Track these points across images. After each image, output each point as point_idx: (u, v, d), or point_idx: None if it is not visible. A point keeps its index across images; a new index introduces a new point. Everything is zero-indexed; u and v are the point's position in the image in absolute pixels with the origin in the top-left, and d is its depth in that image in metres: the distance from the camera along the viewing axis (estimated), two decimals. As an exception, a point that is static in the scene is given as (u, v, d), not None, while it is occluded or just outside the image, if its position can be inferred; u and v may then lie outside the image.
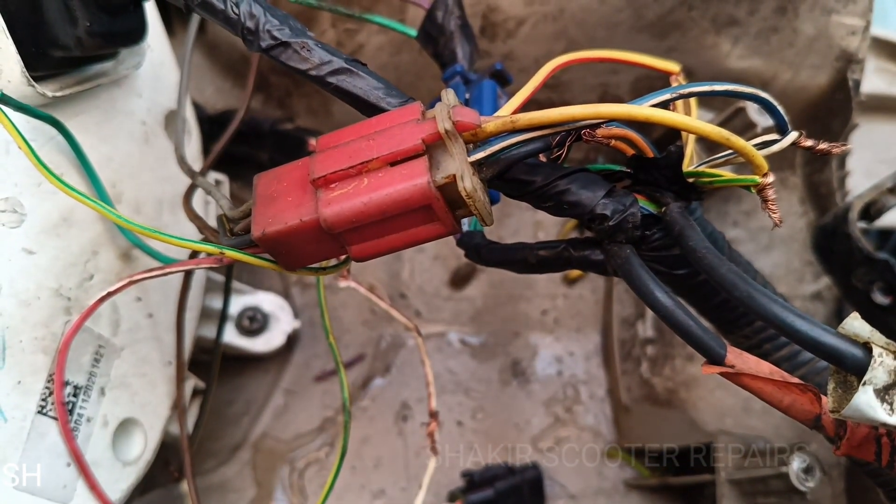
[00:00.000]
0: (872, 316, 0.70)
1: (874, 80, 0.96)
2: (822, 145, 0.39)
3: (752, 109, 0.72)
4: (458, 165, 0.37)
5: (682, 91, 0.38)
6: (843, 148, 0.39)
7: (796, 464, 0.63)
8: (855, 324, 0.33)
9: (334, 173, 0.38)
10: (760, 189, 0.39)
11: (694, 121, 0.37)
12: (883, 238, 1.02)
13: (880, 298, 0.69)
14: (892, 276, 0.67)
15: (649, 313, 0.91)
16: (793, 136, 0.39)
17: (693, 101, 0.52)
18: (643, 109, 0.36)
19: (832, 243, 0.72)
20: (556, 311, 0.97)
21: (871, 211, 0.73)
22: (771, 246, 0.89)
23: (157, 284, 0.65)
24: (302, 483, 0.84)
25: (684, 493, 0.83)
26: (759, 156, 0.38)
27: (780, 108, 0.39)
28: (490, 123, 0.37)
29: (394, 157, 0.37)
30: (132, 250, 0.62)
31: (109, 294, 0.51)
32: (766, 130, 0.73)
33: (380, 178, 0.37)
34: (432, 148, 0.37)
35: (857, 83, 0.80)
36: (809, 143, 0.39)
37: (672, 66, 0.45)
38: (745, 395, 0.63)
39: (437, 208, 0.37)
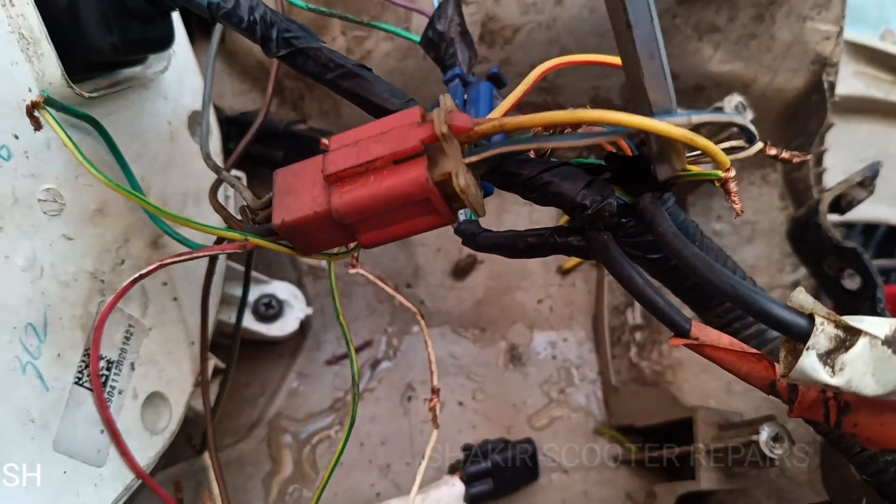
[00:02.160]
0: (843, 300, 0.73)
1: (853, 82, 0.99)
2: (785, 154, 0.42)
3: (729, 109, 0.76)
4: (454, 164, 0.39)
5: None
6: (804, 157, 0.42)
7: (766, 433, 0.67)
8: (800, 297, 0.35)
9: (344, 170, 0.41)
10: (723, 182, 0.41)
11: (660, 123, 0.39)
12: (852, 229, 1.06)
13: (850, 284, 0.71)
14: (860, 263, 0.70)
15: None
16: (758, 146, 0.42)
17: None
18: (613, 114, 0.38)
19: (805, 234, 0.75)
20: (550, 300, 1.00)
21: (842, 204, 0.76)
22: (753, 238, 0.93)
23: (183, 271, 0.69)
24: (313, 458, 0.88)
25: (668, 466, 0.85)
26: (721, 153, 0.40)
27: (750, 126, 0.42)
28: (482, 126, 0.40)
29: (396, 156, 0.40)
30: (160, 238, 0.65)
31: (141, 276, 0.53)
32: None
33: (384, 175, 0.40)
34: (430, 148, 0.40)
35: (832, 85, 0.84)
36: (773, 151, 0.42)
37: None
38: (728, 377, 0.66)
39: (435, 201, 0.40)
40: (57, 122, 0.51)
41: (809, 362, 0.34)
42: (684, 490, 0.77)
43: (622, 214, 0.45)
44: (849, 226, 1.08)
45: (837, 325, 0.34)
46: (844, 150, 0.97)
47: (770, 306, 0.35)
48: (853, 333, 0.34)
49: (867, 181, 0.76)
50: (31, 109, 0.49)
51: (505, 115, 0.44)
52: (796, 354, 0.35)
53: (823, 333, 0.34)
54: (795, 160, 0.43)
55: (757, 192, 0.92)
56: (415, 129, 0.40)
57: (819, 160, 0.88)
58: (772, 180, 0.92)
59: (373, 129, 0.43)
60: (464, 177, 0.39)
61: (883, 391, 0.34)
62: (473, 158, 0.41)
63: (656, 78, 0.38)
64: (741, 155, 0.43)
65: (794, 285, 0.92)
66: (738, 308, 0.38)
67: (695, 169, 0.44)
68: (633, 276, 0.41)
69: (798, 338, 0.35)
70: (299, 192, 0.43)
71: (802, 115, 0.87)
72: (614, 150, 0.46)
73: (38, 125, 0.50)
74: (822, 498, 0.80)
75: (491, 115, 0.44)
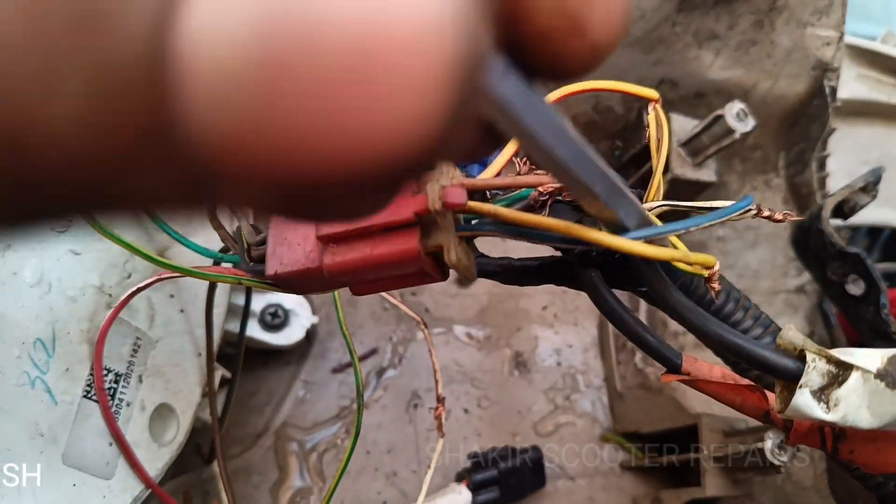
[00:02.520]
0: (847, 305, 0.73)
1: (855, 86, 0.99)
2: (778, 216, 0.42)
3: (731, 116, 0.76)
4: (446, 238, 0.40)
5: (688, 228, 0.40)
6: (794, 218, 0.42)
7: (771, 440, 0.67)
8: (789, 334, 0.35)
9: (337, 234, 0.41)
10: (707, 279, 0.41)
11: (660, 253, 0.37)
12: (857, 232, 1.06)
13: (854, 289, 0.71)
14: (864, 268, 0.70)
15: (642, 307, 0.95)
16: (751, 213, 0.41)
17: (664, 126, 0.56)
18: (620, 242, 0.35)
19: (808, 239, 0.74)
20: (555, 306, 1.01)
21: (845, 209, 0.76)
22: (757, 243, 0.93)
23: (189, 283, 0.69)
24: (320, 466, 0.88)
25: (673, 472, 0.87)
26: (708, 259, 0.39)
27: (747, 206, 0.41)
28: (475, 205, 0.40)
29: (388, 225, 0.40)
30: (166, 251, 0.65)
31: (140, 289, 0.55)
32: (744, 135, 0.78)
33: (376, 242, 0.40)
34: (424, 219, 0.40)
35: (834, 90, 0.84)
36: (766, 213, 0.41)
37: (651, 93, 0.47)
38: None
39: (426, 267, 0.41)
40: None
41: (804, 400, 0.34)
42: (690, 496, 0.77)
43: (609, 252, 0.44)
44: (854, 229, 1.08)
45: (829, 360, 0.34)
46: (847, 154, 0.97)
47: (758, 352, 0.35)
48: (845, 368, 0.34)
49: (870, 186, 0.76)
50: None
51: (502, 169, 0.44)
52: (791, 391, 0.35)
53: (815, 370, 0.34)
54: (788, 220, 0.42)
55: (760, 196, 0.93)
56: (409, 199, 0.40)
57: (822, 165, 0.89)
58: (775, 185, 0.93)
59: None
60: (455, 251, 0.40)
61: (879, 424, 0.34)
62: (466, 234, 0.41)
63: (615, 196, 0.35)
64: (724, 219, 0.41)
65: (799, 289, 0.92)
66: (727, 353, 0.38)
67: (683, 267, 0.43)
68: (622, 315, 0.41)
69: (790, 379, 0.35)
70: (292, 244, 0.44)
71: (804, 121, 0.88)
72: None
73: None
74: (829, 503, 0.81)
75: (486, 173, 0.44)
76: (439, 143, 0.14)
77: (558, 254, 0.47)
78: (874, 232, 1.14)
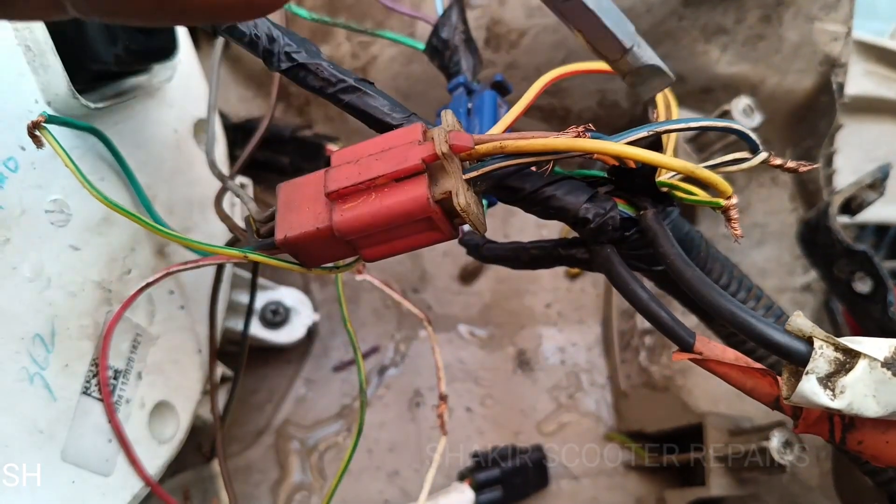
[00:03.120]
0: (854, 303, 0.73)
1: (863, 82, 0.98)
2: (790, 164, 0.41)
3: (737, 111, 0.76)
4: (454, 183, 0.40)
5: (657, 129, 0.41)
6: (810, 167, 0.41)
7: (776, 439, 0.67)
8: (798, 321, 0.35)
9: (345, 188, 0.41)
10: (724, 210, 0.41)
11: (663, 157, 0.39)
12: (864, 230, 1.06)
13: (861, 287, 0.71)
14: (871, 266, 0.69)
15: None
16: (762, 156, 0.42)
17: (673, 106, 0.56)
18: (616, 147, 0.39)
19: (815, 237, 0.74)
20: (559, 304, 1.00)
21: (853, 206, 0.76)
22: (763, 241, 0.92)
23: (189, 279, 0.69)
24: (321, 465, 0.88)
25: (678, 472, 0.86)
26: (722, 182, 0.40)
27: (750, 133, 0.42)
28: (482, 146, 0.40)
29: (397, 174, 0.40)
30: (166, 247, 0.65)
31: (148, 284, 0.55)
32: (752, 129, 0.77)
33: (385, 193, 0.40)
34: (431, 167, 0.40)
35: (841, 86, 0.84)
36: (778, 161, 0.41)
37: None
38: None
39: (436, 219, 0.40)
40: (57, 141, 0.50)
41: (810, 386, 0.34)
42: (695, 496, 0.77)
43: (626, 227, 0.45)
44: (861, 227, 1.07)
45: (836, 347, 0.34)
46: (855, 151, 0.96)
47: (768, 331, 0.35)
48: (852, 356, 0.34)
49: (877, 183, 0.75)
50: (32, 129, 0.49)
51: (510, 126, 0.44)
52: (797, 377, 0.35)
53: (823, 357, 0.34)
54: (802, 170, 0.41)
55: (767, 193, 0.92)
56: (416, 147, 0.41)
57: (829, 161, 0.88)
58: (782, 182, 0.92)
59: (374, 145, 0.43)
60: (464, 195, 0.40)
61: (885, 413, 0.34)
62: (473, 174, 0.41)
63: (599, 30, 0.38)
64: (744, 166, 0.42)
65: (805, 288, 0.91)
66: (738, 332, 0.37)
67: (698, 194, 0.44)
68: (637, 290, 0.41)
69: (797, 362, 0.35)
70: (301, 207, 0.44)
71: (812, 117, 0.87)
72: (615, 163, 0.46)
73: (39, 143, 0.50)
74: (835, 503, 0.80)
75: (494, 129, 0.44)
76: None
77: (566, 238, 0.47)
78: (881, 229, 1.13)
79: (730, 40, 0.83)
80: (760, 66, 0.85)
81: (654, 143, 0.51)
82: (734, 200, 0.40)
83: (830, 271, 0.74)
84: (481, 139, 0.40)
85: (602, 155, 0.41)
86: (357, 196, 0.41)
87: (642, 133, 0.41)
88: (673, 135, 0.46)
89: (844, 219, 0.77)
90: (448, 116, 0.42)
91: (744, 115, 0.76)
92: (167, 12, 0.19)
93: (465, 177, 0.40)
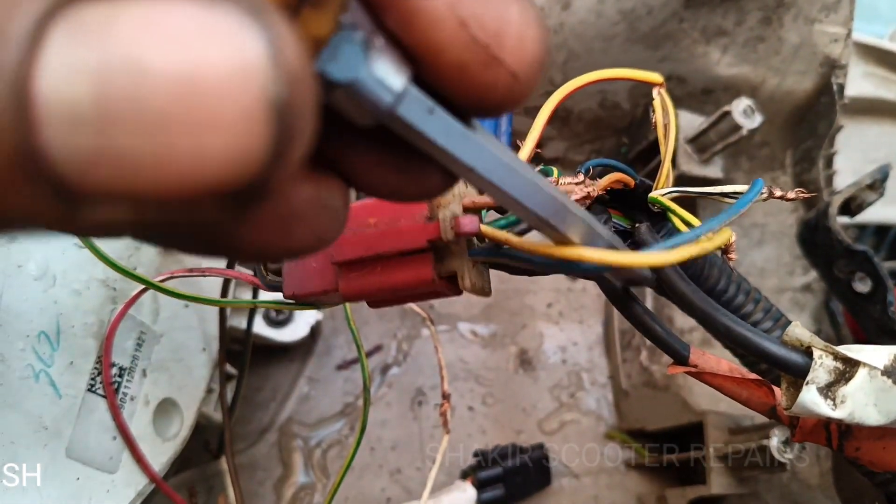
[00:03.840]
0: (854, 303, 0.73)
1: (862, 83, 0.99)
2: (790, 194, 0.41)
3: (738, 113, 0.76)
4: (459, 264, 0.40)
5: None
6: (808, 196, 0.41)
7: (776, 438, 0.67)
8: (797, 331, 0.35)
9: (351, 260, 0.42)
10: (725, 252, 0.41)
11: (679, 253, 0.35)
12: (864, 230, 1.06)
13: (861, 287, 0.71)
14: (871, 266, 0.70)
15: (647, 303, 0.95)
16: (762, 196, 0.40)
17: (671, 114, 0.56)
18: (625, 258, 0.32)
19: (815, 237, 0.74)
20: (560, 303, 1.01)
21: (852, 206, 0.76)
22: (763, 241, 0.93)
23: (194, 278, 0.70)
24: (324, 462, 0.88)
25: (678, 470, 0.86)
26: (725, 232, 0.38)
27: (750, 199, 0.40)
28: (488, 232, 0.39)
29: (403, 252, 0.41)
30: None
31: (153, 284, 0.54)
32: (751, 132, 0.78)
33: (391, 268, 0.41)
34: (437, 244, 0.40)
35: (841, 87, 0.84)
36: (778, 193, 0.41)
37: (655, 77, 0.47)
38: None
39: (441, 290, 0.41)
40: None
41: (810, 397, 0.34)
42: (695, 494, 0.77)
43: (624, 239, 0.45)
44: (861, 227, 1.08)
45: (836, 357, 0.34)
46: (854, 152, 0.97)
47: (765, 345, 0.35)
48: (852, 365, 0.34)
49: (877, 183, 0.76)
50: None
51: (529, 157, 0.44)
52: (797, 387, 0.35)
53: (822, 367, 0.34)
54: (801, 197, 0.41)
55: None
56: (422, 226, 0.41)
57: (829, 162, 0.88)
58: (782, 182, 0.92)
59: (381, 212, 0.43)
60: (469, 276, 0.40)
61: (886, 421, 0.34)
62: (480, 259, 0.41)
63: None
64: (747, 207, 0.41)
65: (805, 288, 0.92)
66: (736, 347, 0.37)
67: (695, 224, 0.43)
68: (631, 304, 0.41)
69: (797, 374, 0.35)
70: (308, 266, 0.44)
71: (812, 118, 0.87)
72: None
73: None
74: (835, 502, 0.80)
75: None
76: (271, 169, 0.16)
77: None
78: (881, 230, 1.14)
79: (730, 42, 0.83)
80: (761, 67, 0.85)
81: (653, 147, 0.51)
82: (733, 239, 0.39)
83: (830, 271, 0.74)
84: (487, 231, 0.39)
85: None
86: (363, 266, 0.42)
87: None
88: (671, 139, 0.46)
89: (844, 219, 0.77)
90: (455, 189, 0.42)
91: (744, 116, 0.77)
92: (219, 252, 0.22)
93: (471, 259, 0.41)
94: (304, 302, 0.46)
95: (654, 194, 0.43)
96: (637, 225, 0.44)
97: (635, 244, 0.44)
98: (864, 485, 0.76)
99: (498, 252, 0.41)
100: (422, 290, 0.42)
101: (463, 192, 0.42)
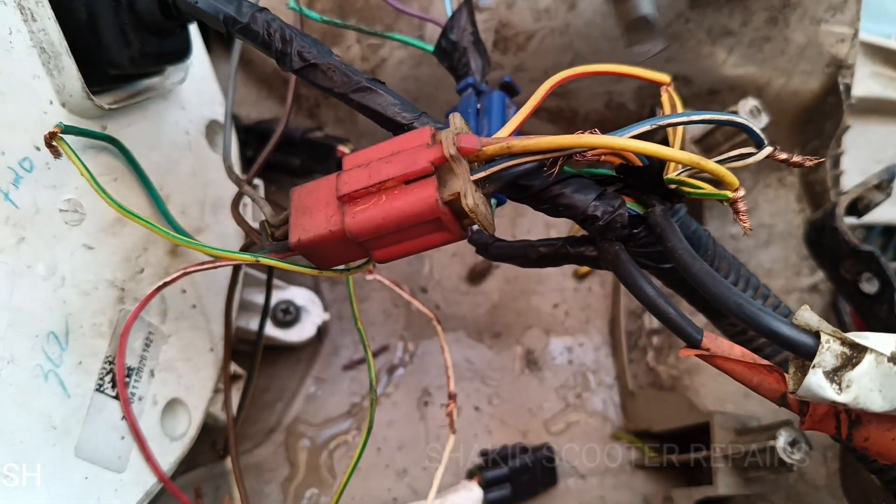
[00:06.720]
0: (861, 304, 0.73)
1: (869, 83, 0.98)
2: (796, 158, 0.41)
3: (744, 112, 0.76)
4: (462, 184, 0.40)
5: (660, 122, 0.41)
6: (816, 161, 0.40)
7: (783, 438, 0.67)
8: (805, 314, 0.35)
9: (356, 191, 0.42)
10: (732, 202, 0.41)
11: (667, 149, 0.39)
12: (871, 231, 1.06)
13: (867, 288, 0.71)
14: (878, 266, 0.70)
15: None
16: (767, 150, 0.41)
17: (679, 107, 0.57)
18: (621, 140, 0.39)
19: (822, 237, 0.74)
20: (566, 304, 1.00)
21: (859, 207, 0.76)
22: (770, 242, 0.93)
23: (201, 278, 0.69)
24: (331, 462, 0.88)
25: (685, 471, 0.86)
26: (729, 174, 0.40)
27: (754, 127, 0.42)
28: (489, 147, 0.41)
29: (406, 177, 0.41)
30: (179, 246, 0.66)
31: (165, 284, 0.55)
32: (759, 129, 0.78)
33: (395, 196, 0.41)
34: (440, 168, 0.41)
35: (848, 87, 0.84)
36: (784, 156, 0.41)
37: (663, 77, 0.48)
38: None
39: (445, 220, 0.41)
40: (73, 151, 0.51)
41: (816, 380, 0.34)
42: (701, 495, 0.77)
43: (634, 225, 0.45)
44: (868, 228, 1.07)
45: (843, 342, 0.35)
46: (861, 152, 0.96)
47: (775, 325, 0.36)
48: (859, 350, 0.34)
49: (884, 184, 0.76)
50: (49, 139, 0.50)
51: (517, 127, 0.45)
52: (804, 371, 0.35)
53: (829, 351, 0.34)
54: (808, 164, 0.41)
55: (773, 194, 0.92)
56: (424, 150, 0.42)
57: (836, 163, 0.88)
58: (788, 183, 0.92)
59: (384, 149, 0.44)
60: (472, 196, 0.40)
61: (890, 407, 0.35)
62: (481, 175, 0.42)
63: None
64: (750, 161, 0.42)
65: (812, 288, 0.92)
66: (746, 326, 0.37)
67: (705, 188, 0.44)
68: (645, 287, 0.42)
69: (804, 356, 0.35)
70: (314, 211, 0.45)
71: (818, 118, 0.87)
72: (621, 162, 0.47)
73: (57, 154, 0.51)
74: (842, 503, 0.80)
75: (502, 131, 0.44)
76: None
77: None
78: (889, 230, 1.13)
79: (736, 42, 0.83)
80: (767, 67, 0.85)
81: (662, 143, 0.51)
82: (741, 193, 0.41)
83: (837, 272, 0.74)
84: (488, 141, 0.41)
85: (607, 151, 0.42)
86: (368, 199, 0.42)
87: (645, 127, 0.41)
88: (679, 133, 0.46)
89: (851, 220, 0.77)
90: (456, 119, 0.43)
91: (750, 116, 0.77)
92: None
93: (473, 178, 0.41)
94: (310, 253, 0.45)
95: (669, 176, 0.43)
96: (650, 210, 0.44)
97: (649, 229, 0.44)
98: (871, 485, 0.76)
99: (498, 174, 0.42)
100: (427, 222, 0.42)
101: (460, 127, 0.42)
